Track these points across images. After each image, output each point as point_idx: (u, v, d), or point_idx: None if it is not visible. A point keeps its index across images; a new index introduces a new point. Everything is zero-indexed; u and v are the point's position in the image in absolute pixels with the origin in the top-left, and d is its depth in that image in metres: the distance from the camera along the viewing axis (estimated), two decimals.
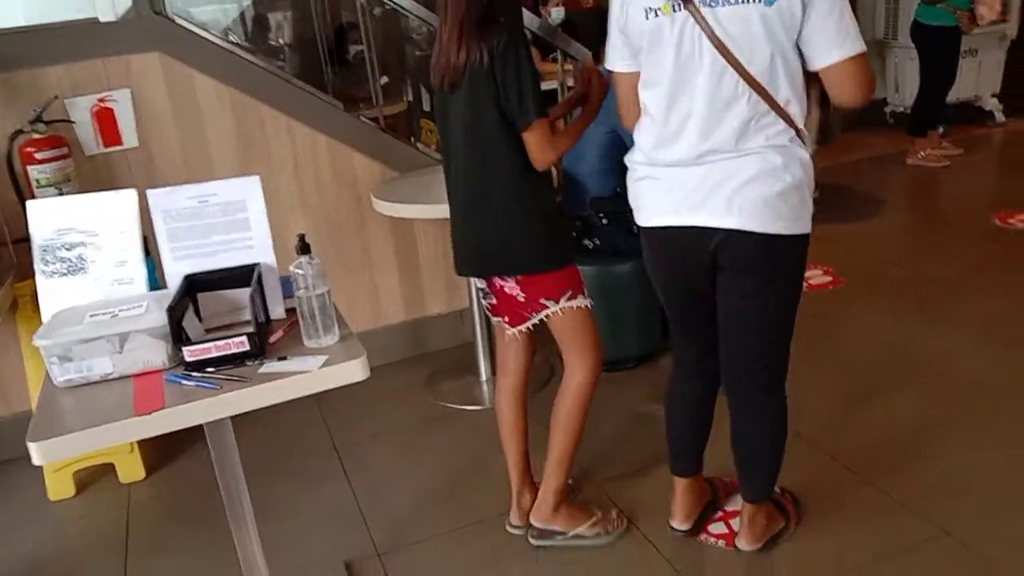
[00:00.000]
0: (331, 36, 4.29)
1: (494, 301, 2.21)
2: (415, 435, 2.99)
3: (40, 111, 2.65)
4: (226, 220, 1.76)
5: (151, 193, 1.74)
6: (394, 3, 3.31)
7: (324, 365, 1.59)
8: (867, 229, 4.52)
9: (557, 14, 5.64)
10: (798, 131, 1.79)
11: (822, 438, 2.64)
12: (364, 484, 2.70)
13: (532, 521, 2.32)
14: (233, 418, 1.70)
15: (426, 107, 4.29)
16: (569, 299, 2.11)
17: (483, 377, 3.28)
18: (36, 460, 1.44)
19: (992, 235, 4.20)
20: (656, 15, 1.77)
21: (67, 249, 1.74)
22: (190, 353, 1.58)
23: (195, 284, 1.74)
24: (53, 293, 1.72)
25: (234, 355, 1.60)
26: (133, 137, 2.93)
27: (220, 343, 1.59)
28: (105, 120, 2.87)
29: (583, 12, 6.07)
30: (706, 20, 1.71)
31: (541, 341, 2.28)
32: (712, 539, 2.27)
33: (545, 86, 2.17)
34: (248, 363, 1.61)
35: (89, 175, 2.81)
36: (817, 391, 2.90)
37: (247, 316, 1.70)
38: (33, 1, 3.76)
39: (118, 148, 2.92)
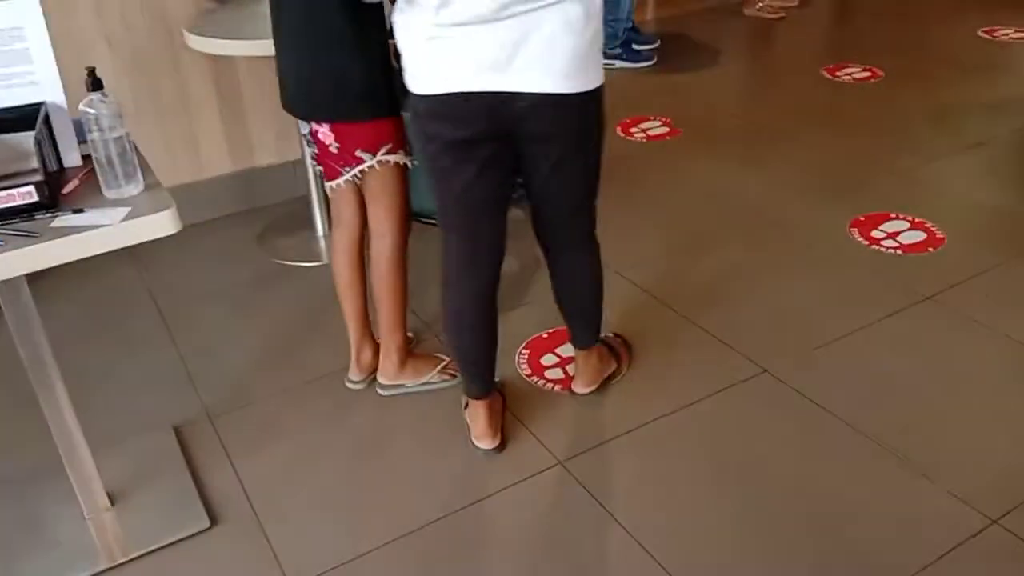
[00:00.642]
0: None
1: (316, 150, 2.06)
2: (247, 293, 2.84)
3: None
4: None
5: None
6: None
7: (127, 218, 1.44)
8: (704, 79, 4.59)
9: None
10: None
11: (655, 285, 2.72)
12: (192, 346, 2.57)
13: (379, 380, 2.29)
14: (39, 281, 1.55)
15: None
16: (387, 153, 1.99)
17: (319, 232, 3.15)
18: None
19: (820, 86, 4.37)
20: None
21: None
22: None
23: None
24: None
25: (20, 207, 1.43)
26: None
27: (2, 194, 1.41)
28: None
29: None
30: None
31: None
32: (549, 384, 2.33)
33: None
34: (38, 216, 1.44)
35: None
36: (649, 240, 2.97)
37: (35, 164, 1.50)
38: None
39: None
